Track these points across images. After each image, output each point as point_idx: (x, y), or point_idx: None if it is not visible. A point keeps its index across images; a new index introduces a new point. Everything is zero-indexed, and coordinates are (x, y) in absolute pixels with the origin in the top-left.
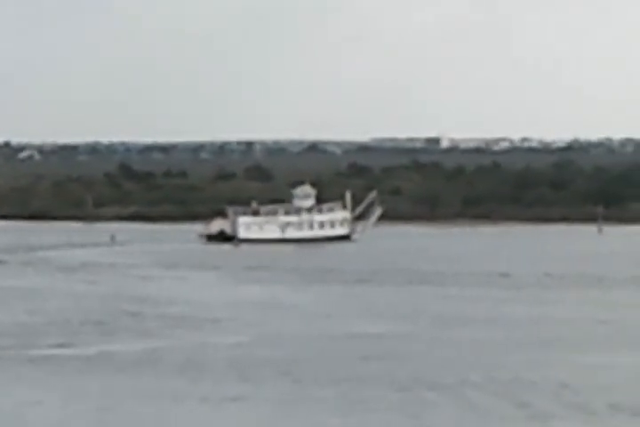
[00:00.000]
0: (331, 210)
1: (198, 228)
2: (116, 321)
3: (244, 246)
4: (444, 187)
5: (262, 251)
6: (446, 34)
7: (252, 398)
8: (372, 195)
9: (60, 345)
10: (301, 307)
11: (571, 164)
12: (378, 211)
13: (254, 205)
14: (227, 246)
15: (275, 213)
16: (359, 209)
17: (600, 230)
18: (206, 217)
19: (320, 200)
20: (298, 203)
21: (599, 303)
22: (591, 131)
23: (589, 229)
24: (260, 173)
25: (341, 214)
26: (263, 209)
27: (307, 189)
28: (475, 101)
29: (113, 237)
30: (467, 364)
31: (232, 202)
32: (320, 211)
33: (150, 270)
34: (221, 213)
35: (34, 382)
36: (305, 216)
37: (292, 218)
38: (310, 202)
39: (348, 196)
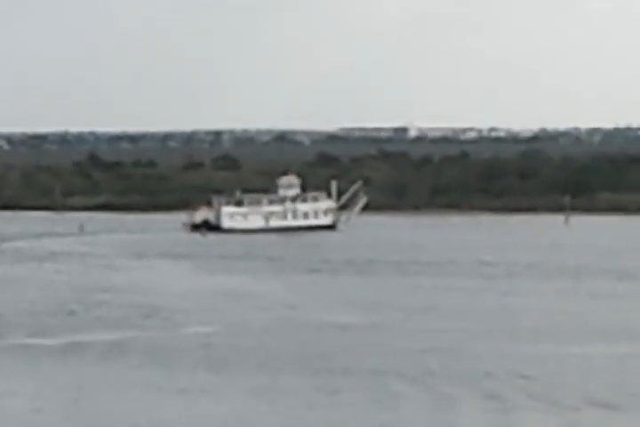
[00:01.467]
0: (315, 199)
1: (166, 217)
2: (87, 311)
3: (223, 236)
4: (412, 176)
5: (238, 240)
6: (415, 24)
7: (225, 388)
8: (358, 185)
9: (31, 335)
10: (272, 297)
11: (538, 153)
12: (362, 200)
13: (238, 194)
14: (199, 236)
15: (259, 202)
16: (344, 199)
17: (567, 220)
18: (175, 207)
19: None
20: (282, 192)
21: (565, 294)
22: (558, 120)
23: (557, 218)
24: (228, 162)
25: (326, 204)
26: (247, 198)
27: (291, 178)
28: (443, 91)
29: (82, 227)
30: (433, 354)
31: (200, 191)
32: (304, 200)
33: (119, 260)
34: (189, 203)
35: (5, 372)
36: (289, 206)
37: (276, 207)
38: (294, 191)
39: (333, 185)
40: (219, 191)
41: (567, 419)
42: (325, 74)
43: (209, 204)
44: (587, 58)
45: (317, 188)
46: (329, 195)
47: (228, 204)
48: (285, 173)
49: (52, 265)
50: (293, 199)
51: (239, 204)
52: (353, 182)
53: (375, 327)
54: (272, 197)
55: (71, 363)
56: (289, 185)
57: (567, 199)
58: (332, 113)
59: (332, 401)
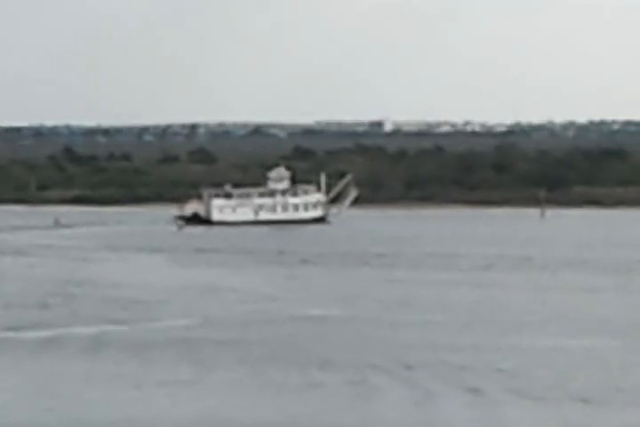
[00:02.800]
0: (305, 192)
1: (142, 210)
2: (64, 305)
3: (207, 229)
4: (388, 170)
5: (218, 233)
6: (390, 18)
7: (204, 381)
8: (348, 178)
9: (8, 329)
10: (251, 289)
11: (513, 147)
12: (353, 193)
13: (228, 187)
14: (176, 229)
15: (248, 195)
16: (334, 192)
17: (543, 214)
18: (150, 200)
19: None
20: (272, 185)
21: (540, 286)
22: (533, 114)
23: (532, 212)
24: (203, 156)
25: (316, 197)
26: (237, 192)
27: (281, 171)
28: (418, 86)
29: (57, 221)
30: (410, 346)
31: (176, 185)
32: (294, 193)
33: (95, 253)
34: (164, 197)
35: None
36: (279, 199)
37: (266, 200)
38: (284, 185)
39: (322, 178)
40: (194, 185)
41: (545, 412)
42: (301, 68)
43: (199, 197)
44: (561, 52)
45: (293, 181)
46: (319, 188)
47: (217, 197)
48: (275, 166)
49: (27, 259)
50: (283, 192)
51: (229, 197)
52: (329, 176)
53: (353, 320)
54: (262, 190)
55: (47, 357)
56: (279, 178)
57: (542, 193)
58: (308, 107)
59: (313, 393)
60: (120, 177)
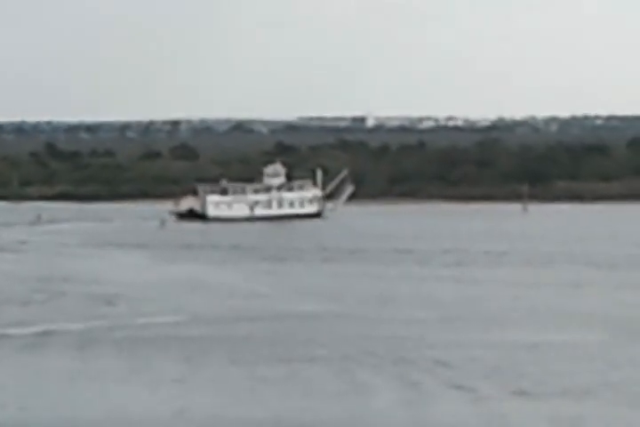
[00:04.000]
0: (301, 188)
1: (125, 206)
2: (48, 301)
3: (193, 225)
4: (370, 165)
5: (201, 229)
6: (373, 14)
7: (191, 378)
8: (344, 173)
9: None
10: (238, 286)
11: (495, 142)
12: (349, 189)
13: (223, 183)
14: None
15: (244, 191)
16: (330, 187)
17: (525, 209)
18: (132, 196)
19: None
20: (268, 181)
21: (522, 281)
22: (516, 109)
23: (514, 207)
24: (186, 152)
25: (312, 192)
26: (232, 187)
27: (277, 167)
28: (400, 81)
29: (39, 217)
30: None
31: (158, 181)
32: (290, 189)
33: (78, 249)
34: (146, 193)
35: None
36: (274, 194)
37: (261, 196)
38: (280, 180)
39: (319, 174)
40: (177, 181)
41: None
42: (284, 63)
43: (195, 192)
44: (544, 47)
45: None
46: (315, 184)
47: (213, 192)
48: (271, 161)
49: (10, 255)
50: (279, 188)
51: (224, 192)
52: (312, 171)
53: (338, 316)
54: (257, 185)
55: (31, 353)
56: (275, 174)
57: (525, 188)
58: (291, 102)
59: (301, 389)
60: (102, 173)
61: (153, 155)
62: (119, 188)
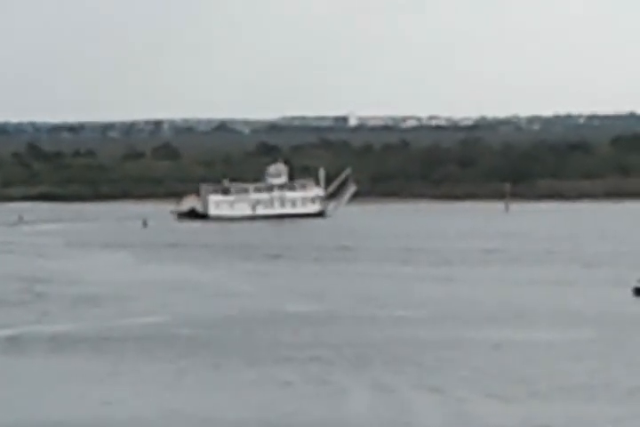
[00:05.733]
0: (303, 187)
1: (107, 207)
2: (31, 302)
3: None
4: (353, 165)
5: (186, 229)
6: (355, 13)
7: (177, 379)
8: (346, 172)
9: None
10: (224, 285)
11: (478, 141)
12: (351, 188)
13: (225, 182)
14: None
15: (245, 190)
16: (332, 187)
17: (507, 208)
18: (115, 197)
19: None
20: (270, 180)
21: (506, 280)
22: (498, 108)
23: (497, 206)
24: (168, 152)
25: (314, 192)
26: (234, 187)
27: (279, 166)
28: (383, 80)
29: (21, 218)
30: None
31: (141, 181)
32: (292, 188)
33: (61, 250)
34: (129, 193)
35: None
36: (276, 194)
37: (263, 196)
38: (282, 180)
39: (321, 173)
40: (159, 181)
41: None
42: (265, 63)
43: (197, 192)
44: (526, 46)
45: (257, 178)
46: (317, 183)
47: (214, 192)
48: (274, 161)
49: None
50: (281, 187)
51: (226, 192)
52: (295, 171)
53: (324, 316)
54: (259, 185)
55: (12, 355)
56: (277, 173)
57: (507, 187)
58: (273, 102)
59: (285, 392)
60: (85, 173)
61: (135, 155)
62: (102, 188)
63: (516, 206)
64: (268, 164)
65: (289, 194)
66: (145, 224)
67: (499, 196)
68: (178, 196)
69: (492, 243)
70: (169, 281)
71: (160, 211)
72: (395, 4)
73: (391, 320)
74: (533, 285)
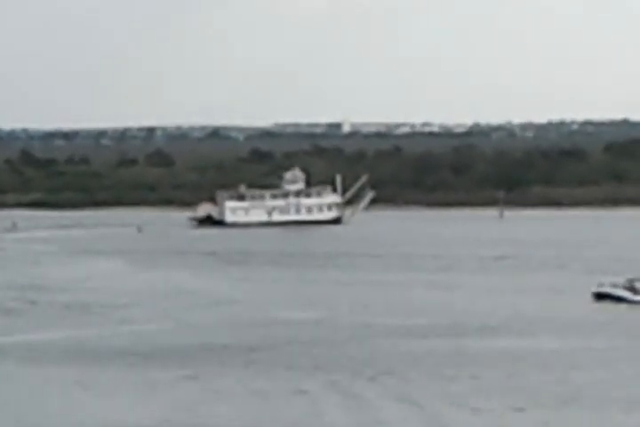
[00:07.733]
0: (319, 194)
1: (101, 214)
2: (26, 310)
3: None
4: (346, 171)
5: (182, 236)
6: (346, 20)
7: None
8: (363, 179)
9: None
10: (221, 292)
11: (471, 148)
12: (369, 195)
13: (242, 189)
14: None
15: (262, 197)
16: (349, 193)
17: (501, 215)
18: (108, 203)
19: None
20: (286, 187)
21: (498, 287)
22: (492, 115)
23: (491, 213)
24: (161, 158)
25: (330, 198)
26: (250, 193)
27: (296, 173)
28: (376, 87)
29: (14, 224)
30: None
31: (134, 188)
32: (308, 195)
33: (55, 257)
34: (122, 200)
35: None
36: (292, 200)
37: (279, 202)
38: (299, 186)
39: (338, 180)
40: (152, 188)
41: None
42: (259, 70)
43: (213, 199)
44: (520, 53)
45: (251, 184)
46: (334, 190)
47: (231, 198)
48: (290, 167)
49: None
50: (297, 194)
51: (242, 198)
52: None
53: (323, 324)
54: (275, 191)
55: (10, 363)
56: (293, 180)
57: (501, 193)
58: (266, 109)
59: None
60: (78, 181)
61: (128, 162)
62: (95, 195)
63: (510, 213)
64: (262, 170)
65: (305, 200)
66: (139, 230)
67: (492, 203)
68: (171, 202)
69: (487, 250)
70: (162, 288)
71: (154, 217)
72: (389, 9)
73: (384, 328)
74: (527, 292)
